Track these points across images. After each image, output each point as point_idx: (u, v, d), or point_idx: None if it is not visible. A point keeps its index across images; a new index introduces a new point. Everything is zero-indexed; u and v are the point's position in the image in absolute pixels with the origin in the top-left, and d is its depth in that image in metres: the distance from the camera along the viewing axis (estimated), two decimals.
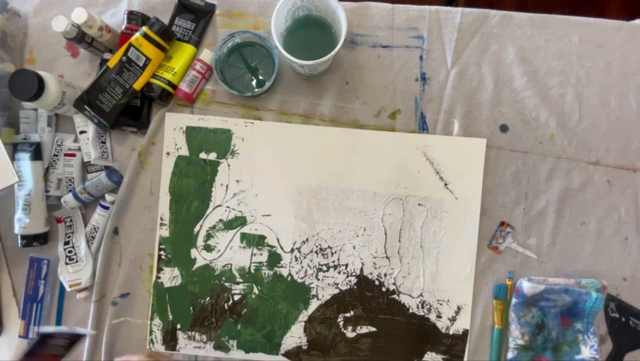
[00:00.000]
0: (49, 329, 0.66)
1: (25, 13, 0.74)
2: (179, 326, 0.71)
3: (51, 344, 0.59)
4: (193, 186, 0.72)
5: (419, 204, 0.71)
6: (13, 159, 0.70)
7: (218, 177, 0.72)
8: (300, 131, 0.72)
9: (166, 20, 0.71)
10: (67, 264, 0.69)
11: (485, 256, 0.70)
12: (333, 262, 0.71)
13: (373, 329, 0.70)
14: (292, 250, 0.71)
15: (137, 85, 0.68)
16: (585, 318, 0.68)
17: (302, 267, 0.71)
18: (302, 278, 0.71)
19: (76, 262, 0.70)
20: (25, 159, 0.69)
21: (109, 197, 0.70)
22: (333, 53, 0.60)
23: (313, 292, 0.71)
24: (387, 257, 0.71)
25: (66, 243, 0.70)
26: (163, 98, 0.70)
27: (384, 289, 0.71)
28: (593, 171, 0.71)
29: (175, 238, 0.71)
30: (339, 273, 0.71)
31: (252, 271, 0.71)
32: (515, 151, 0.71)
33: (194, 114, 0.72)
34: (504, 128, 0.71)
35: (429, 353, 0.70)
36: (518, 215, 0.70)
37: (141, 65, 0.68)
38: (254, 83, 0.72)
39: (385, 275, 0.71)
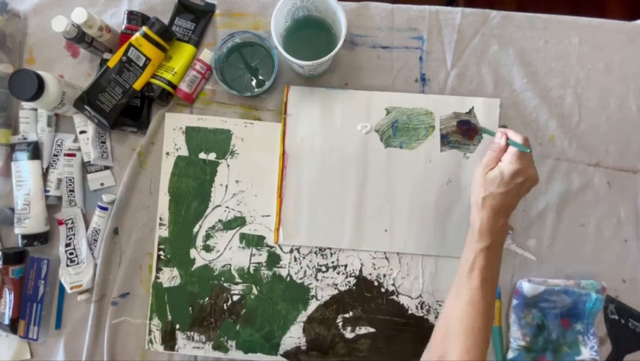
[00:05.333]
0: None
1: (24, 13, 0.74)
2: (178, 326, 0.71)
3: None
4: (192, 186, 0.72)
5: None
6: (11, 159, 0.70)
7: (218, 177, 0.72)
8: None
9: (166, 20, 0.71)
10: (68, 266, 0.69)
11: None
12: (333, 262, 0.71)
13: (372, 330, 0.70)
14: (291, 251, 0.71)
15: (137, 85, 0.68)
16: (585, 319, 0.68)
17: (301, 267, 0.71)
18: (301, 279, 0.71)
19: (77, 264, 0.70)
20: (23, 158, 0.69)
21: (106, 197, 0.70)
22: (332, 53, 0.60)
23: (312, 293, 0.71)
24: (386, 258, 0.71)
25: (67, 245, 0.70)
26: (163, 98, 0.70)
27: (383, 290, 0.71)
28: (592, 173, 0.71)
29: (174, 238, 0.71)
30: (338, 274, 0.71)
31: (251, 271, 0.71)
32: None
33: (193, 114, 0.72)
34: None
35: None
36: (517, 216, 0.70)
37: (141, 65, 0.68)
38: (253, 83, 0.72)
39: (384, 276, 0.71)
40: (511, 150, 0.57)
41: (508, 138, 0.59)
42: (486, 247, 0.55)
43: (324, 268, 0.71)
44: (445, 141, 0.71)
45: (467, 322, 0.53)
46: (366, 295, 0.71)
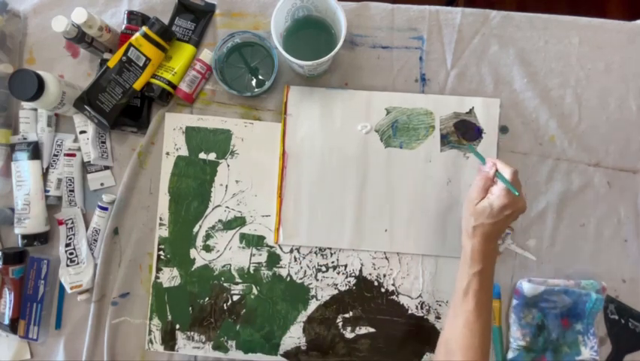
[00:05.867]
0: None
1: (24, 13, 0.74)
2: (178, 326, 0.71)
3: None
4: (192, 186, 0.72)
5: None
6: (11, 159, 0.70)
7: (218, 177, 0.72)
8: None
9: (166, 20, 0.71)
10: (68, 266, 0.69)
11: None
12: (333, 262, 0.71)
13: (372, 330, 0.70)
14: (291, 251, 0.71)
15: (137, 85, 0.68)
16: (585, 319, 0.68)
17: (301, 267, 0.71)
18: (301, 279, 0.71)
19: (77, 264, 0.70)
20: (23, 158, 0.69)
21: (106, 197, 0.70)
22: (332, 53, 0.60)
23: (312, 293, 0.71)
24: (386, 258, 0.71)
25: (67, 245, 0.70)
26: (163, 98, 0.70)
27: (383, 290, 0.71)
28: (592, 173, 0.71)
29: (174, 238, 0.71)
30: (338, 274, 0.71)
31: (251, 271, 0.71)
32: (515, 152, 0.71)
33: (193, 114, 0.72)
34: (504, 130, 0.71)
35: (428, 353, 0.70)
36: None
37: (141, 65, 0.68)
38: (253, 83, 0.72)
39: (384, 276, 0.71)
40: (501, 183, 0.58)
41: (497, 171, 0.59)
42: (478, 271, 0.57)
43: (324, 268, 0.71)
44: (445, 141, 0.71)
45: (464, 343, 0.56)
46: (366, 295, 0.71)
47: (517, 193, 0.56)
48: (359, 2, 0.73)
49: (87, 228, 0.71)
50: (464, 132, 0.70)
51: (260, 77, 0.71)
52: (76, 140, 0.72)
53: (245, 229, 0.71)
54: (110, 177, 0.72)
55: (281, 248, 0.71)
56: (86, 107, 0.67)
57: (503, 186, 0.57)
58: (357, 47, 0.72)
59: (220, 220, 0.71)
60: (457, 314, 0.58)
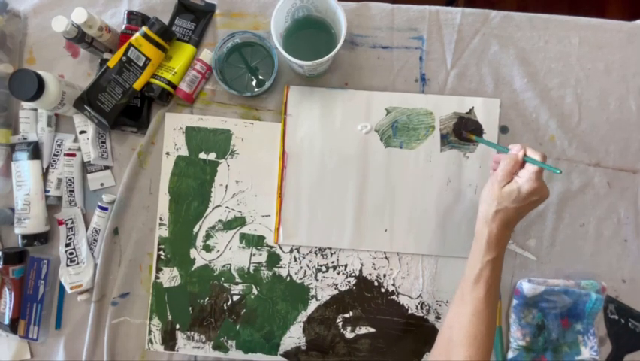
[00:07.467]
0: None
1: (24, 13, 0.74)
2: (178, 326, 0.71)
3: None
4: (192, 186, 0.72)
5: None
6: (11, 159, 0.70)
7: (218, 177, 0.72)
8: None
9: (166, 20, 0.71)
10: (68, 266, 0.69)
11: None
12: (332, 262, 0.71)
13: (372, 330, 0.70)
14: (291, 251, 0.71)
15: (137, 85, 0.68)
16: (585, 319, 0.68)
17: (301, 267, 0.71)
18: (301, 279, 0.71)
19: (77, 264, 0.70)
20: (23, 158, 0.69)
21: (106, 197, 0.70)
22: (332, 53, 0.60)
23: (312, 293, 0.71)
24: (386, 258, 0.71)
25: (67, 245, 0.70)
26: (163, 98, 0.70)
27: (383, 290, 0.71)
28: (592, 173, 0.71)
29: (174, 238, 0.71)
30: (338, 274, 0.71)
31: (251, 271, 0.71)
32: None
33: (193, 114, 0.72)
34: (504, 130, 0.71)
35: (428, 353, 0.70)
36: None
37: (141, 65, 0.68)
38: (253, 83, 0.72)
39: (384, 276, 0.71)
40: (530, 167, 0.55)
41: (526, 155, 0.56)
42: (492, 259, 0.55)
43: (324, 268, 0.71)
44: (445, 141, 0.71)
45: (471, 331, 0.54)
46: (366, 295, 0.71)
47: (558, 172, 0.53)
48: (359, 2, 0.73)
49: (87, 228, 0.71)
50: (466, 130, 0.70)
51: (260, 77, 0.71)
52: (76, 140, 0.72)
53: (245, 229, 0.71)
54: (110, 177, 0.72)
55: (281, 248, 0.71)
56: (86, 107, 0.67)
57: (532, 170, 0.55)
58: (357, 47, 0.72)
59: (220, 220, 0.71)
60: (466, 302, 0.56)
